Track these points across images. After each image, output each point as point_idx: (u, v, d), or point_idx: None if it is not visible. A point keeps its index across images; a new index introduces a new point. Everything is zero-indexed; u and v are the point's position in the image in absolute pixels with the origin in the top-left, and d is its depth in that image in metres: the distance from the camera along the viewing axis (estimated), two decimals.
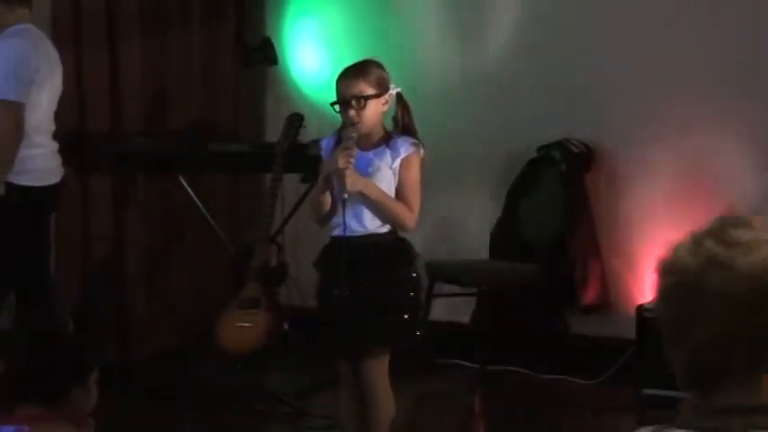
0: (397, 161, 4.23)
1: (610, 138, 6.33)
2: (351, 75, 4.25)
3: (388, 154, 4.23)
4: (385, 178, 4.22)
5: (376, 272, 4.23)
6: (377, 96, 4.21)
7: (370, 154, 4.24)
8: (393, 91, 4.27)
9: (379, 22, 6.87)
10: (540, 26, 6.48)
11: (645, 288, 6.18)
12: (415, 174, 4.25)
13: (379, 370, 4.24)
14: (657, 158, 6.21)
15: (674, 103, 6.18)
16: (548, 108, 6.43)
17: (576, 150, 6.31)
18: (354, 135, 4.20)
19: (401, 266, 4.25)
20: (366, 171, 4.21)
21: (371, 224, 4.23)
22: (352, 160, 4.16)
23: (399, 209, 4.22)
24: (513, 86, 6.54)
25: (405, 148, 4.23)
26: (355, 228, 4.22)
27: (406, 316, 4.26)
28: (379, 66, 4.31)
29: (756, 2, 6.03)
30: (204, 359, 5.98)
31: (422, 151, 4.26)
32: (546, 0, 6.49)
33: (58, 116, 5.36)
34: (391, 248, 4.25)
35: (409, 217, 4.23)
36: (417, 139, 4.28)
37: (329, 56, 6.97)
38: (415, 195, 4.25)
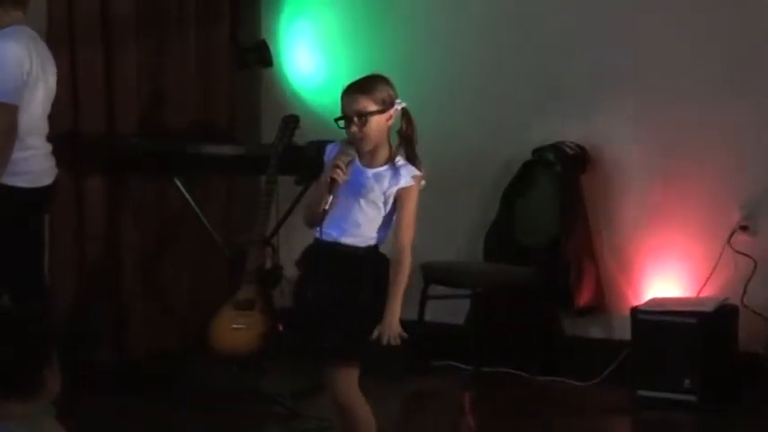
0: (393, 189, 4.19)
1: (604, 140, 6.33)
2: (354, 91, 4.21)
3: (386, 180, 4.19)
4: (376, 199, 4.19)
5: (352, 282, 4.20)
6: (380, 113, 4.19)
7: (370, 173, 4.21)
8: (398, 106, 4.25)
9: (375, 24, 6.88)
10: (535, 28, 6.48)
11: (639, 290, 6.19)
12: (413, 206, 4.20)
13: (346, 378, 4.23)
14: (652, 160, 6.21)
15: (669, 105, 6.18)
16: (542, 110, 6.43)
17: (570, 152, 6.31)
18: (353, 153, 4.18)
19: (378, 281, 4.24)
20: (360, 190, 4.19)
21: (352, 239, 4.21)
22: (340, 173, 4.14)
23: (403, 276, 4.20)
24: (508, 88, 6.54)
25: (405, 180, 4.18)
26: (337, 236, 4.21)
27: (374, 331, 4.23)
28: (384, 81, 4.26)
29: (754, 2, 6.03)
30: (199, 360, 5.98)
31: (422, 182, 4.24)
32: (542, 2, 6.50)
33: (52, 118, 5.35)
34: (370, 262, 4.23)
35: (406, 263, 4.21)
36: (419, 165, 4.25)
37: (324, 58, 6.97)
38: (410, 229, 4.20)
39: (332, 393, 4.27)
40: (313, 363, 4.37)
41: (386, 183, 4.19)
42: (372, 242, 4.22)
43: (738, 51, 6.02)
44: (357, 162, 4.21)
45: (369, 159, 4.21)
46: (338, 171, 4.14)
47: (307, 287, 4.30)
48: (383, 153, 4.22)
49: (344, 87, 4.25)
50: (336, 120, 4.22)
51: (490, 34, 6.61)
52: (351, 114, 4.16)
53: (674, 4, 6.18)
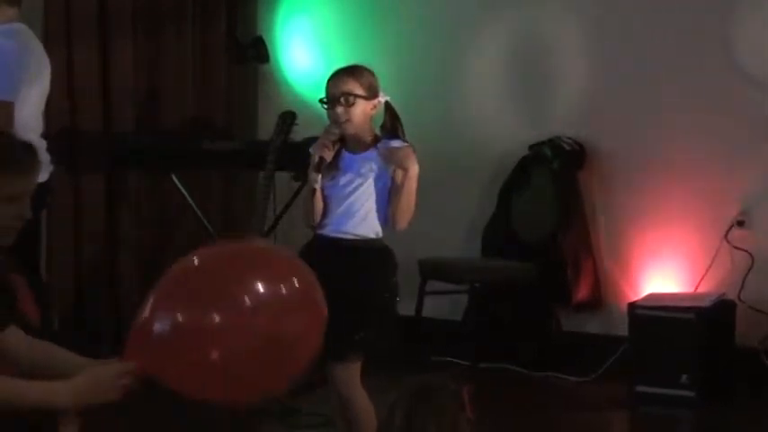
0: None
1: (602, 135, 6.34)
2: (342, 74, 4.25)
3: (375, 154, 4.22)
4: (380, 178, 4.21)
5: (355, 276, 4.21)
6: (365, 98, 4.21)
7: (362, 156, 4.23)
8: (382, 98, 4.27)
9: (371, 20, 6.88)
10: (533, 24, 6.48)
11: (637, 286, 6.20)
12: (414, 171, 4.20)
13: (350, 373, 4.24)
14: (649, 156, 6.22)
15: (666, 100, 6.19)
16: (540, 105, 6.43)
17: (568, 148, 6.31)
18: (336, 131, 4.20)
19: (384, 275, 4.25)
20: (359, 172, 4.20)
21: (356, 231, 4.22)
22: (327, 151, 4.16)
23: (411, 206, 4.21)
24: (506, 84, 6.54)
25: (396, 143, 4.22)
26: (345, 229, 4.22)
27: (381, 325, 4.24)
28: (370, 72, 4.30)
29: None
30: None
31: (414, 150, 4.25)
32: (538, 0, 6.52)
33: (49, 115, 5.35)
34: (377, 255, 4.24)
35: (410, 217, 4.23)
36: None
37: (321, 54, 6.97)
38: (412, 195, 4.22)
39: (335, 387, 4.27)
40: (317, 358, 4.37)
41: (380, 157, 4.19)
42: (374, 234, 4.22)
43: (736, 49, 6.02)
44: (345, 152, 4.22)
45: (356, 146, 4.23)
46: (325, 149, 4.16)
47: None
48: (368, 139, 4.24)
49: (331, 72, 4.27)
50: (321, 101, 4.23)
51: (487, 30, 6.61)
52: (337, 95, 4.18)
53: (672, 1, 6.18)
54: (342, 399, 4.27)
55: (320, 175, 4.19)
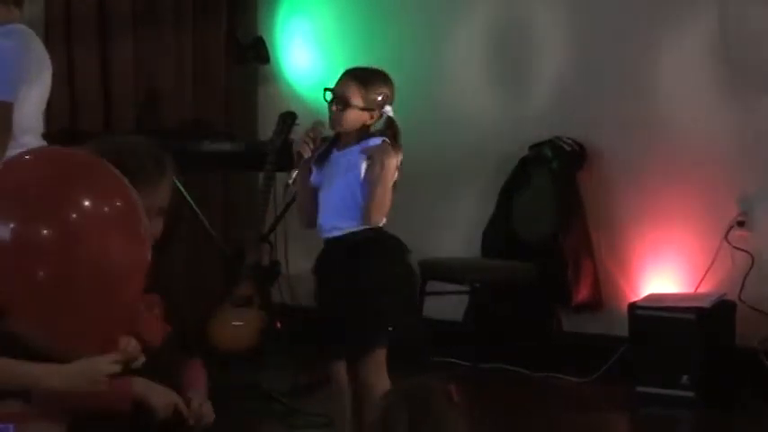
0: (365, 154, 4.21)
1: (602, 136, 6.33)
2: (352, 77, 4.24)
3: (357, 149, 4.22)
4: (360, 172, 4.21)
5: (369, 269, 4.22)
6: (362, 109, 4.20)
7: (346, 152, 4.24)
8: (386, 113, 4.25)
9: (371, 20, 6.88)
10: (533, 24, 6.49)
11: (637, 286, 6.20)
12: (384, 169, 4.15)
13: (376, 360, 4.23)
14: (650, 157, 6.22)
15: (667, 101, 6.18)
16: (540, 106, 6.43)
17: (568, 149, 6.31)
18: (322, 129, 4.23)
19: (387, 260, 4.25)
20: (343, 168, 4.21)
21: (353, 223, 4.21)
22: (306, 147, 4.18)
23: (384, 200, 4.18)
24: (506, 84, 6.54)
25: (374, 141, 4.21)
26: (337, 226, 4.22)
27: (397, 309, 4.25)
28: (385, 83, 4.26)
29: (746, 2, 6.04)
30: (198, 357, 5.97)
31: (397, 152, 4.21)
32: (538, 0, 6.52)
33: (50, 116, 5.35)
34: (377, 242, 4.24)
35: (382, 211, 4.21)
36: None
37: (321, 55, 6.98)
38: (382, 198, 4.17)
39: (360, 378, 4.24)
40: (341, 357, 4.35)
41: (356, 152, 4.20)
42: (364, 227, 4.22)
43: (735, 48, 6.02)
44: (335, 150, 4.24)
45: (343, 143, 4.25)
46: (304, 145, 4.17)
47: (323, 287, 4.32)
48: (358, 136, 4.24)
49: (349, 67, 4.28)
50: (325, 90, 4.24)
51: (487, 31, 6.61)
52: (336, 93, 4.20)
53: (669, 3, 6.18)
54: (365, 388, 4.22)
55: (296, 171, 4.21)
